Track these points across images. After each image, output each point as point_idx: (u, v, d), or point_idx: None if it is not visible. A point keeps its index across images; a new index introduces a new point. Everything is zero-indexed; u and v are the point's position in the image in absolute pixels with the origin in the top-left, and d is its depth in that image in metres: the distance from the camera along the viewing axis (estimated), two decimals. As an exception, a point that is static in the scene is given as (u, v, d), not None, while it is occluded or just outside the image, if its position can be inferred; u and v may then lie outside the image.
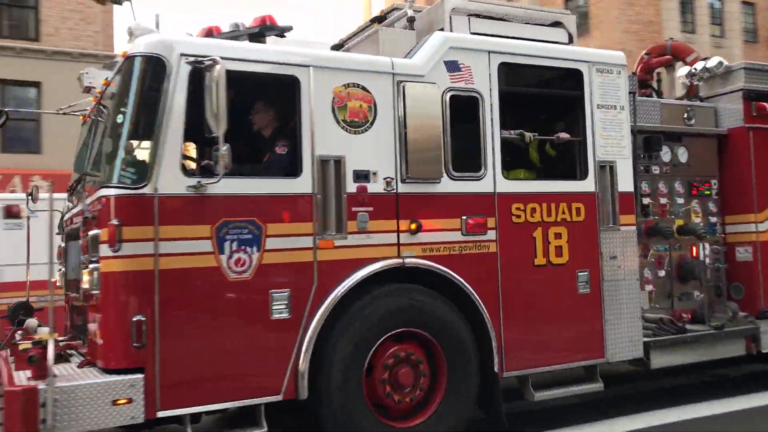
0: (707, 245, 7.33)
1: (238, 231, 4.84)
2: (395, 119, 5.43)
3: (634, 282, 6.40)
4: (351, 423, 5.05)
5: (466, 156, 5.75)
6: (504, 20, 6.27)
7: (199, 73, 4.71)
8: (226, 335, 4.77)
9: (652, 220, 7.06)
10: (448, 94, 5.64)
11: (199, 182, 4.72)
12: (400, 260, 5.37)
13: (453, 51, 5.73)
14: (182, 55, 4.79)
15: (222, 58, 4.66)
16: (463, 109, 5.73)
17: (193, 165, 5.67)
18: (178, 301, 4.66)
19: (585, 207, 6.20)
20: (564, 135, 6.24)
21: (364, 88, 5.35)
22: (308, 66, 5.19)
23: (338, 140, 5.23)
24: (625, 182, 6.43)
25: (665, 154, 7.23)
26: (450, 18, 6.00)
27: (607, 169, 6.30)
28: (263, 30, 5.46)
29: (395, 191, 5.40)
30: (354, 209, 5.24)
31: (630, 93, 6.58)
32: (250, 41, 5.48)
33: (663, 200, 7.17)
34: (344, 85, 5.29)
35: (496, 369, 5.62)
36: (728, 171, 7.49)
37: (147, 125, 4.75)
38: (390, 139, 5.42)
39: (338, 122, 5.25)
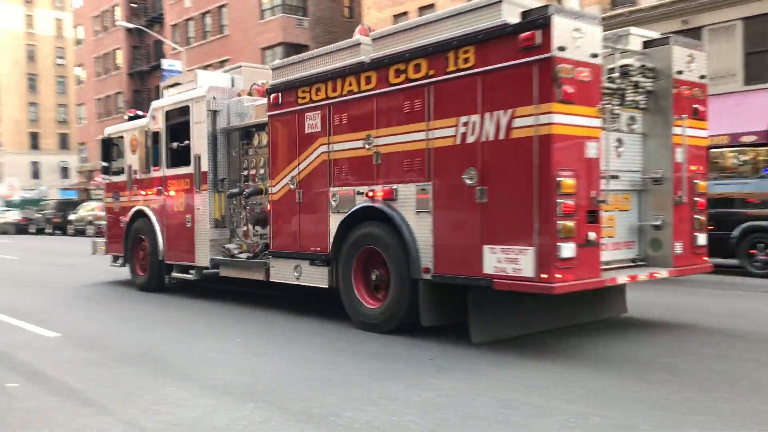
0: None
1: None
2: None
3: (206, 223, 11.11)
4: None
5: (154, 160, 12.30)
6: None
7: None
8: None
9: (248, 185, 10.78)
10: (152, 131, 12.38)
11: None
12: (140, 206, 12.76)
13: (152, 110, 12.32)
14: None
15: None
16: (156, 138, 12.28)
17: None
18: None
19: (190, 181, 11.46)
20: (187, 142, 11.54)
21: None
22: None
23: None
24: (205, 165, 11.08)
25: (257, 140, 10.59)
26: (163, 92, 12.38)
27: (197, 159, 11.23)
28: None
29: (163, 175, 12.76)
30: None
31: (209, 111, 10.95)
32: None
33: (253, 172, 10.68)
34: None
35: (160, 257, 12.16)
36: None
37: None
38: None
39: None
